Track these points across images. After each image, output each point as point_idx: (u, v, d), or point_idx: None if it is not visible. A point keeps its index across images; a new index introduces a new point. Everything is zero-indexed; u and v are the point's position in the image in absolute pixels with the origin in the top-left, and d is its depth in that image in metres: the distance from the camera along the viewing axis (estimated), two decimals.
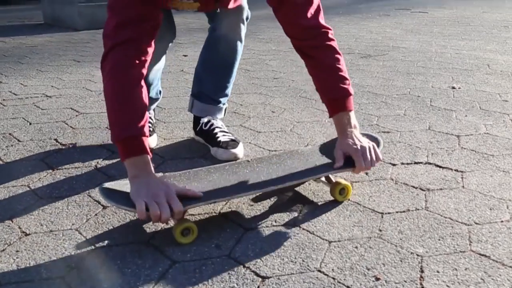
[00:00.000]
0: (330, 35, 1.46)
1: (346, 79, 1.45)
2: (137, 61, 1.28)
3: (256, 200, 1.40)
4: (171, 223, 1.26)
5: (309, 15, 1.41)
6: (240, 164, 1.44)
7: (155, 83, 1.85)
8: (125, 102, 1.26)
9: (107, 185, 1.28)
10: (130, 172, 1.24)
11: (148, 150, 1.25)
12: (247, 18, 1.72)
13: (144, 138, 1.24)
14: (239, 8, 1.66)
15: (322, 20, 1.45)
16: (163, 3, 1.40)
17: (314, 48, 1.45)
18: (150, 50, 1.32)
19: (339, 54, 1.46)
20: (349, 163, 1.39)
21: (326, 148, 1.52)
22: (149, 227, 1.27)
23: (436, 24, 5.20)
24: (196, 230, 1.21)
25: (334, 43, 1.46)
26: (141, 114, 1.26)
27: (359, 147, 1.38)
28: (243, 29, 1.73)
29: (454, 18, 5.67)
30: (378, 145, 1.47)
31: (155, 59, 1.75)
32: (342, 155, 1.40)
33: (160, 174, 1.35)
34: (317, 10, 1.43)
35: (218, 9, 1.61)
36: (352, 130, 1.43)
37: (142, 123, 1.25)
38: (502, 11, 6.35)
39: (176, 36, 1.82)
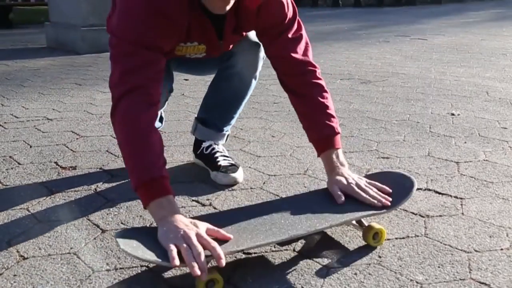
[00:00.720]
0: (318, 74, 1.50)
1: (334, 117, 1.46)
2: (147, 106, 1.26)
3: (283, 244, 1.31)
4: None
5: (299, 50, 1.46)
6: (267, 205, 1.40)
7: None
8: (141, 147, 1.23)
9: (124, 238, 1.13)
10: (156, 215, 1.18)
11: (172, 191, 1.21)
12: (264, 57, 1.69)
13: (165, 179, 1.21)
14: (257, 47, 1.65)
15: (311, 56, 1.49)
16: (169, 51, 1.42)
17: (303, 86, 1.48)
18: (158, 94, 1.30)
19: (326, 92, 1.49)
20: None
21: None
22: None
23: (435, 51, 5.25)
24: (222, 281, 1.09)
25: (322, 82, 1.49)
26: (159, 157, 1.23)
27: (352, 182, 1.36)
28: (260, 67, 1.71)
29: (453, 45, 5.73)
30: (412, 187, 1.37)
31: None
32: (338, 190, 1.35)
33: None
34: (307, 47, 1.49)
35: (223, 49, 1.58)
36: (341, 168, 1.41)
37: (161, 165, 1.22)
38: (501, 39, 6.42)
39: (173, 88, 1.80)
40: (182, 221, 1.14)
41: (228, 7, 1.32)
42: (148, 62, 1.28)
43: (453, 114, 2.63)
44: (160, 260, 1.05)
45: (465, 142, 2.15)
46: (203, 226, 1.15)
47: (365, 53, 5.16)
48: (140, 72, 1.27)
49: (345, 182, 1.37)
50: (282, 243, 1.29)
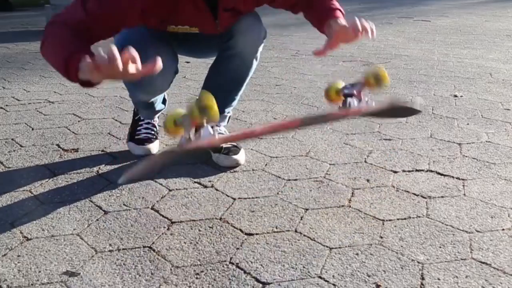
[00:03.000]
0: None
1: (337, 8, 1.47)
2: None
3: (254, 195, 1.36)
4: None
5: None
6: None
7: (159, 99, 1.85)
8: (65, 38, 1.24)
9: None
10: (87, 71, 1.09)
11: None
12: (264, 37, 1.71)
13: (88, 47, 1.20)
14: (257, 27, 1.66)
15: None
16: (158, 25, 1.44)
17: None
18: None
19: None
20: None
21: None
22: (150, 233, 1.28)
23: (439, 33, 5.21)
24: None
25: None
26: (82, 40, 1.24)
27: (350, 21, 1.34)
28: (260, 48, 1.72)
29: (456, 27, 5.68)
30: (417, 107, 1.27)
31: (162, 88, 1.73)
32: (334, 36, 1.35)
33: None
34: None
35: (220, 29, 1.59)
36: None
37: (84, 43, 1.22)
38: (505, 20, 6.36)
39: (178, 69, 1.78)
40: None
41: None
42: (88, 28, 1.29)
43: (456, 96, 2.62)
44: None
45: (468, 124, 2.14)
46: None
47: None
48: (75, 25, 1.28)
49: (342, 20, 1.37)
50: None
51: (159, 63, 1.07)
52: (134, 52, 1.05)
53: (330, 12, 1.45)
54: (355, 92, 1.28)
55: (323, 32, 1.45)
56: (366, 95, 1.29)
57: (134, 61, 1.06)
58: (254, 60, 1.73)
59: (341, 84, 1.31)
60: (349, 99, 1.28)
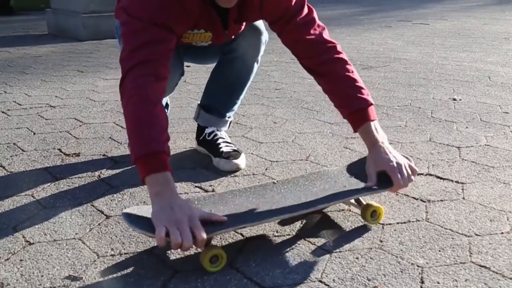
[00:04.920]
0: (338, 49, 1.46)
1: (364, 89, 1.42)
2: (154, 79, 1.26)
3: (282, 223, 1.34)
4: (197, 249, 1.20)
5: (312, 31, 1.44)
6: (267, 186, 1.36)
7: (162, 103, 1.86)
8: (146, 120, 1.22)
9: (129, 210, 1.19)
10: (151, 189, 1.17)
11: (170, 168, 1.19)
12: (265, 40, 1.72)
13: (166, 155, 1.19)
14: (259, 31, 1.67)
15: (326, 36, 1.46)
16: (188, 27, 1.43)
17: (325, 64, 1.44)
18: (167, 70, 1.30)
19: (350, 65, 1.45)
20: (384, 183, 1.31)
21: (354, 168, 1.45)
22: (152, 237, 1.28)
23: (437, 36, 5.23)
24: (225, 257, 1.14)
25: (343, 55, 1.46)
26: (163, 132, 1.22)
27: (395, 164, 1.31)
28: (261, 51, 1.73)
29: (455, 30, 5.70)
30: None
31: (168, 90, 1.72)
32: (375, 173, 1.32)
33: (184, 198, 1.29)
34: (322, 28, 1.46)
35: (228, 38, 1.59)
36: (384, 142, 1.37)
37: (163, 140, 1.21)
38: (503, 23, 6.38)
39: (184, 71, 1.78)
40: (178, 204, 1.13)
41: (234, 2, 1.33)
42: (158, 39, 1.28)
43: (454, 99, 2.63)
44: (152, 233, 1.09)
45: (467, 127, 2.15)
46: (197, 211, 1.14)
47: (367, 39, 5.14)
48: (149, 47, 1.27)
49: (387, 162, 1.32)
50: (283, 223, 1.34)
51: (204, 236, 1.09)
52: (190, 238, 1.07)
53: (363, 111, 1.39)
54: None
55: (350, 123, 1.42)
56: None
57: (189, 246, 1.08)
58: (255, 63, 1.74)
59: (380, 209, 1.34)
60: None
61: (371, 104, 1.40)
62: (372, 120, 1.39)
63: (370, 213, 1.31)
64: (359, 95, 1.40)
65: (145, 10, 1.29)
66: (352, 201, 1.36)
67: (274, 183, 1.38)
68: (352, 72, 1.44)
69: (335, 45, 1.46)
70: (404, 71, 3.42)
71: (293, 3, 1.42)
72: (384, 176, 1.32)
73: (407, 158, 1.39)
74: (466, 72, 3.36)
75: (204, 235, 1.08)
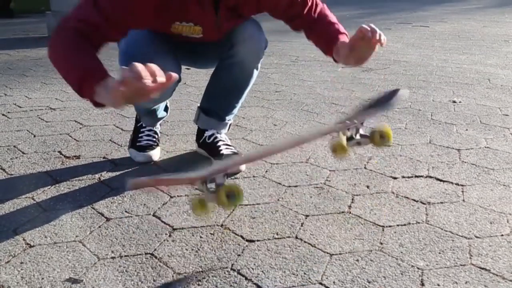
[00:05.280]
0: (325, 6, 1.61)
1: (336, 23, 1.54)
2: (82, 38, 1.28)
3: (255, 202, 1.39)
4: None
5: (317, 13, 1.58)
6: None
7: (161, 106, 1.87)
8: (75, 50, 1.25)
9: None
10: (102, 92, 1.12)
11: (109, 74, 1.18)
12: (265, 47, 1.73)
13: (103, 68, 1.20)
14: (258, 37, 1.67)
15: (327, 11, 1.60)
16: (163, 28, 1.46)
17: (313, 20, 1.58)
18: (95, 46, 1.32)
19: (326, 10, 1.60)
20: (381, 103, 1.38)
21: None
22: (152, 239, 1.29)
23: (437, 38, 5.23)
24: (241, 193, 1.16)
25: (327, 11, 1.60)
26: (94, 57, 1.24)
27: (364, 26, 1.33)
28: (261, 57, 1.73)
29: (455, 33, 5.71)
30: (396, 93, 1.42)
31: (165, 96, 1.73)
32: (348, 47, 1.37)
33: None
34: (322, 8, 1.61)
35: (221, 32, 1.60)
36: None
37: (98, 62, 1.22)
38: (503, 26, 6.39)
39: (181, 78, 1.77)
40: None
41: None
42: (99, 27, 1.31)
43: (454, 102, 2.63)
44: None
45: (467, 129, 2.15)
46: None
47: None
48: (87, 26, 1.29)
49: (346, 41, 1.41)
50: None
51: (175, 75, 1.04)
52: (155, 66, 1.02)
53: (336, 36, 1.48)
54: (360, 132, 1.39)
55: (330, 54, 1.49)
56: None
57: (158, 75, 1.02)
58: (255, 69, 1.74)
59: (344, 140, 1.39)
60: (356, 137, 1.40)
61: (343, 33, 1.51)
62: (343, 41, 1.45)
63: (379, 136, 1.35)
64: (332, 27, 1.53)
65: (109, 3, 1.32)
66: (358, 137, 1.39)
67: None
68: (329, 14, 1.59)
69: (322, 6, 1.61)
70: (404, 74, 3.43)
71: None
72: (380, 99, 1.39)
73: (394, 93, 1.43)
74: (466, 74, 3.36)
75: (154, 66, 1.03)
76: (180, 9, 1.45)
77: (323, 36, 1.53)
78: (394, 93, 1.40)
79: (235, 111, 1.86)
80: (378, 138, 1.35)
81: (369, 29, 1.29)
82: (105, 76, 1.15)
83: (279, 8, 1.56)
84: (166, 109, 1.95)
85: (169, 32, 1.53)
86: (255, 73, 1.76)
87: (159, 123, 1.95)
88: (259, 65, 1.75)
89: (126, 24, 1.38)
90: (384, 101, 1.39)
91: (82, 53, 1.25)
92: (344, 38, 1.47)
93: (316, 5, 1.59)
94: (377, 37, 1.30)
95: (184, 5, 1.44)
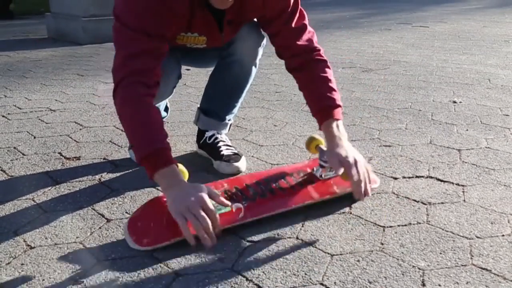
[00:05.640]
0: (321, 53, 1.54)
1: (335, 90, 1.49)
2: (146, 87, 1.32)
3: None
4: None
5: (304, 37, 1.52)
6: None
7: (162, 106, 1.87)
8: (143, 122, 1.30)
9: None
10: (162, 184, 1.28)
11: (175, 161, 1.29)
12: (263, 44, 1.72)
13: (168, 151, 1.28)
14: (256, 35, 1.67)
15: (315, 42, 1.54)
16: (170, 40, 1.45)
17: (306, 62, 1.53)
18: (157, 77, 1.36)
19: (329, 68, 1.53)
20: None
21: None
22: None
23: (437, 39, 5.23)
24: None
25: (325, 58, 1.54)
26: (160, 129, 1.31)
27: (350, 159, 1.35)
28: (259, 54, 1.73)
29: (455, 33, 5.71)
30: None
31: (165, 93, 1.74)
32: (339, 163, 1.36)
33: None
34: (311, 34, 1.54)
35: (225, 41, 1.60)
36: (342, 139, 1.42)
37: (163, 137, 1.30)
38: (503, 26, 6.39)
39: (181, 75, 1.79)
40: (186, 187, 1.24)
41: (229, 4, 1.37)
42: (149, 48, 1.34)
43: (455, 102, 2.63)
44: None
45: (467, 130, 2.15)
46: (205, 189, 1.23)
47: (367, 41, 5.15)
48: (140, 57, 1.33)
49: (343, 155, 1.36)
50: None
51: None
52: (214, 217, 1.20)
53: (330, 109, 1.46)
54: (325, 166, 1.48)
55: (317, 119, 1.50)
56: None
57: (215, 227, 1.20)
58: (254, 67, 1.74)
59: (322, 142, 1.51)
60: (320, 169, 1.50)
61: (339, 105, 1.48)
62: (336, 119, 1.45)
63: (315, 146, 1.47)
64: (329, 94, 1.48)
65: (135, 17, 1.33)
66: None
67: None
68: (329, 73, 1.52)
69: (320, 49, 1.54)
70: (404, 74, 3.42)
71: (292, 2, 1.48)
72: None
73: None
74: (466, 74, 3.36)
75: (217, 214, 1.20)
76: (188, 24, 1.46)
77: (316, 100, 1.51)
78: None
79: (235, 110, 1.86)
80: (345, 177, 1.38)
81: (352, 183, 1.34)
82: (162, 162, 1.26)
83: (267, 18, 1.52)
84: (166, 109, 1.95)
85: (173, 43, 1.53)
86: (254, 70, 1.76)
87: None
88: (258, 63, 1.75)
89: (162, 30, 1.36)
90: None
91: (145, 127, 1.30)
92: (337, 115, 1.46)
93: (308, 38, 1.52)
94: (360, 190, 1.34)
95: (193, 20, 1.44)
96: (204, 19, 1.45)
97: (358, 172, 1.33)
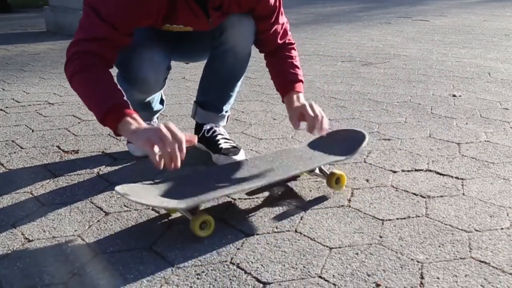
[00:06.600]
0: (290, 37, 1.70)
1: (298, 68, 1.64)
2: (98, 58, 1.37)
3: (251, 193, 1.49)
4: (188, 217, 1.28)
5: (284, 35, 1.67)
6: (240, 163, 1.54)
7: (156, 99, 1.86)
8: (96, 84, 1.35)
9: (119, 188, 1.28)
10: (126, 132, 1.29)
11: (133, 112, 1.31)
12: (255, 31, 1.69)
13: (126, 104, 1.31)
14: (248, 21, 1.66)
15: (290, 35, 1.71)
16: (155, 23, 1.48)
17: (277, 50, 1.67)
18: (109, 62, 1.42)
19: (294, 49, 1.69)
20: (343, 151, 1.53)
21: (315, 144, 1.65)
22: (151, 233, 1.28)
23: (437, 32, 5.22)
24: (213, 222, 1.27)
25: (292, 41, 1.70)
26: (115, 89, 1.35)
27: (307, 105, 1.49)
28: (252, 41, 1.71)
29: (455, 27, 5.70)
30: (363, 139, 1.56)
31: (156, 85, 1.73)
32: (296, 118, 1.51)
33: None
34: (287, 28, 1.69)
35: (213, 26, 1.61)
36: (300, 101, 1.56)
37: (119, 94, 1.33)
38: (503, 20, 6.37)
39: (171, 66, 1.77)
40: (149, 126, 1.28)
41: None
42: (110, 38, 1.38)
43: (454, 96, 2.63)
44: (153, 203, 1.26)
45: (467, 123, 2.15)
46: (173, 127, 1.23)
47: (367, 35, 5.14)
48: (98, 42, 1.37)
49: (298, 104, 1.53)
50: (251, 193, 1.50)
51: (195, 139, 1.28)
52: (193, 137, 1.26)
53: (292, 83, 1.60)
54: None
55: (280, 93, 1.64)
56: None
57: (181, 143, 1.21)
58: (247, 54, 1.73)
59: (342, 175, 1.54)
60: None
61: (301, 80, 1.62)
62: (298, 92, 1.59)
63: (335, 180, 1.49)
64: (291, 70, 1.63)
65: (106, 9, 1.37)
66: (317, 171, 1.54)
67: (246, 159, 1.56)
68: (295, 56, 1.67)
69: (292, 43, 1.71)
70: (404, 68, 3.42)
71: (279, 3, 1.61)
72: (342, 145, 1.54)
73: (361, 137, 1.57)
74: (466, 68, 3.35)
75: (182, 135, 1.21)
76: (172, 16, 1.48)
77: (280, 76, 1.65)
78: (359, 139, 1.56)
79: (232, 100, 1.85)
80: (334, 182, 1.49)
81: (309, 119, 1.47)
82: (124, 113, 1.29)
83: (256, 14, 1.61)
84: (162, 102, 1.94)
85: (160, 27, 1.56)
86: (248, 58, 1.75)
87: (156, 116, 1.94)
88: (251, 50, 1.75)
89: (130, 26, 1.42)
90: (350, 146, 1.55)
91: (100, 88, 1.35)
92: (298, 88, 1.60)
93: (285, 34, 1.67)
94: (317, 126, 1.47)
95: (175, 12, 1.47)
96: (188, 11, 1.48)
97: (314, 110, 1.47)
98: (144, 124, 1.29)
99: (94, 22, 1.37)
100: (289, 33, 1.70)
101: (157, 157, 1.18)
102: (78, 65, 1.36)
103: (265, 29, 1.63)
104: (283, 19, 1.66)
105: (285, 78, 1.62)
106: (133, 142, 1.29)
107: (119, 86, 1.37)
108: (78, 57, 1.37)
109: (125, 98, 1.34)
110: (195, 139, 1.29)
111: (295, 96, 1.57)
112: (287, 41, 1.68)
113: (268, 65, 1.70)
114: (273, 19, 1.62)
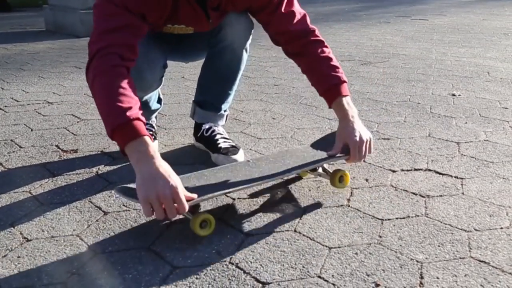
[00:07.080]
0: (316, 33, 1.56)
1: (338, 67, 1.52)
2: (120, 60, 1.28)
3: (252, 195, 1.48)
4: (187, 216, 1.27)
5: (295, 21, 1.52)
6: (242, 163, 1.52)
7: (153, 97, 1.86)
8: (115, 94, 1.22)
9: (119, 188, 1.27)
10: (132, 158, 1.18)
11: (147, 133, 1.19)
12: (251, 28, 1.71)
13: (140, 122, 1.19)
14: (244, 19, 1.66)
15: (308, 23, 1.55)
16: (156, 26, 1.47)
17: (304, 46, 1.54)
18: (133, 54, 1.33)
19: (327, 47, 1.55)
20: (344, 150, 1.47)
21: (319, 144, 1.61)
22: (150, 233, 1.28)
23: (436, 32, 5.22)
24: (214, 222, 1.26)
25: (321, 38, 1.56)
26: (134, 102, 1.22)
27: (357, 139, 1.43)
28: (249, 37, 1.72)
29: (454, 26, 5.69)
30: None
31: (152, 83, 1.72)
32: (341, 144, 1.46)
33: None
34: (303, 16, 1.55)
35: (212, 26, 1.60)
36: (354, 117, 1.47)
37: (136, 109, 1.21)
38: (502, 19, 6.37)
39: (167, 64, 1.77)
40: (161, 176, 1.14)
41: None
42: (129, 24, 1.32)
43: (454, 95, 2.63)
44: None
45: (466, 123, 2.15)
46: (180, 184, 1.16)
47: (366, 34, 5.13)
48: (118, 32, 1.30)
49: (352, 136, 1.44)
50: (253, 194, 1.49)
51: (195, 196, 1.20)
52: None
53: (336, 87, 1.49)
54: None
55: (325, 99, 1.52)
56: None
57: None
58: (244, 51, 1.73)
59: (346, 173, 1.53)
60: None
61: (345, 81, 1.51)
62: (345, 96, 1.49)
63: (338, 178, 1.48)
64: (333, 73, 1.50)
65: None
66: (320, 170, 1.53)
67: (248, 161, 1.52)
68: (329, 53, 1.54)
69: (314, 29, 1.55)
70: (403, 67, 3.41)
71: None
72: (348, 148, 1.47)
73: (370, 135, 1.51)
74: (465, 67, 3.35)
75: (186, 208, 1.14)
76: (174, 15, 1.47)
77: (323, 82, 1.52)
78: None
79: (230, 99, 1.85)
80: (337, 180, 1.49)
81: (353, 157, 1.43)
82: (135, 135, 1.18)
83: (253, 10, 1.55)
84: (159, 101, 1.94)
85: (160, 31, 1.55)
86: (245, 55, 1.75)
87: (154, 115, 1.94)
88: (248, 48, 1.75)
89: (141, 10, 1.36)
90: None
91: (116, 100, 1.21)
92: (345, 91, 1.50)
93: (300, 21, 1.53)
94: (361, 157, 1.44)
95: (178, 12, 1.46)
96: (190, 11, 1.47)
97: (359, 152, 1.43)
98: (153, 156, 1.17)
99: (113, 12, 1.31)
100: (307, 20, 1.55)
101: (149, 215, 1.14)
102: (98, 66, 1.27)
103: (268, 20, 1.53)
104: (291, 6, 1.52)
105: (326, 83, 1.50)
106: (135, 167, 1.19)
107: (148, 120, 1.29)
108: (100, 56, 1.28)
109: (140, 112, 1.22)
110: (194, 196, 1.21)
111: (345, 102, 1.48)
112: (306, 30, 1.53)
113: (303, 70, 1.58)
114: (273, 9, 1.50)
